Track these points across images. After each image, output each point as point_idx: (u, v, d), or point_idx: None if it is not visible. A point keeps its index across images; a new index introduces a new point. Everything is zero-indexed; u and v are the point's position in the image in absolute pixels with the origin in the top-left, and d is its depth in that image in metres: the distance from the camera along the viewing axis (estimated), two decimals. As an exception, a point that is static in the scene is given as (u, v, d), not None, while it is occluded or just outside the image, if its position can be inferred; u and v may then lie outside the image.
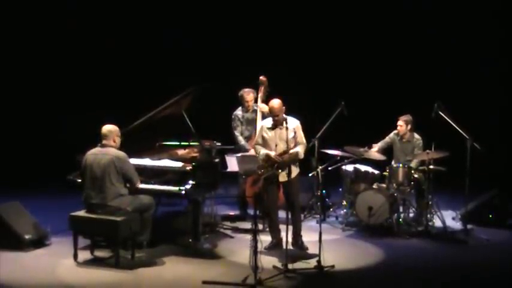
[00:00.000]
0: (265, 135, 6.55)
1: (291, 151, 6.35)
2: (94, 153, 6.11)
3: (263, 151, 6.50)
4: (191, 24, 10.89)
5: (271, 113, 6.48)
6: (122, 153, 6.11)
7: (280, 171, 6.34)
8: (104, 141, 6.13)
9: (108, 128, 6.17)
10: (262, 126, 6.68)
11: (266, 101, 7.65)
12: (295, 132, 6.50)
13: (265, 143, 6.55)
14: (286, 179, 6.40)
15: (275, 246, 6.61)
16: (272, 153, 6.39)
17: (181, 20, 10.88)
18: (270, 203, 6.59)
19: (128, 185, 6.19)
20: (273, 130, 6.50)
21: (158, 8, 10.86)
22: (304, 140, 6.61)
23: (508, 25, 10.43)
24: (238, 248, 6.62)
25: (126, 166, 6.10)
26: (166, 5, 10.84)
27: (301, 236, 6.68)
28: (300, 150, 6.47)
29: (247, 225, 7.43)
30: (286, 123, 6.24)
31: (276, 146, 6.42)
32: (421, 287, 5.84)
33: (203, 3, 10.86)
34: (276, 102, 6.45)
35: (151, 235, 6.46)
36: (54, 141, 10.12)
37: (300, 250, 6.57)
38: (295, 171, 6.51)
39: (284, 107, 6.46)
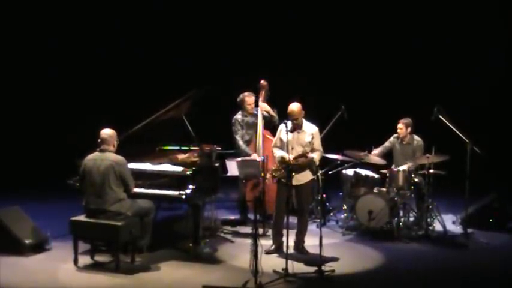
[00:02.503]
0: (282, 137, 6.51)
1: (308, 155, 6.36)
2: (93, 159, 6.09)
3: (279, 153, 6.50)
4: (191, 28, 10.91)
5: (291, 116, 6.45)
6: (120, 158, 6.10)
7: (293, 174, 6.29)
8: (103, 146, 6.12)
9: (107, 132, 6.16)
10: (280, 129, 6.64)
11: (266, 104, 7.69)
12: (312, 138, 6.50)
13: (282, 145, 6.53)
14: (298, 182, 6.41)
15: (275, 250, 6.60)
16: (288, 156, 6.33)
17: (181, 24, 10.91)
18: (277, 206, 6.56)
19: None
20: (291, 133, 6.46)
21: (156, 13, 10.89)
22: (320, 147, 6.60)
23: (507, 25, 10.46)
24: (238, 252, 6.62)
25: (124, 171, 6.09)
26: (164, 9, 10.87)
27: (303, 242, 6.67)
28: (316, 156, 6.47)
29: (248, 229, 7.43)
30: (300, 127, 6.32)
31: (293, 149, 6.40)
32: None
33: (203, 9, 10.88)
34: (295, 106, 6.45)
35: (152, 239, 6.48)
36: (54, 145, 10.12)
37: (300, 254, 6.56)
38: (308, 176, 6.52)
39: (303, 111, 6.47)
